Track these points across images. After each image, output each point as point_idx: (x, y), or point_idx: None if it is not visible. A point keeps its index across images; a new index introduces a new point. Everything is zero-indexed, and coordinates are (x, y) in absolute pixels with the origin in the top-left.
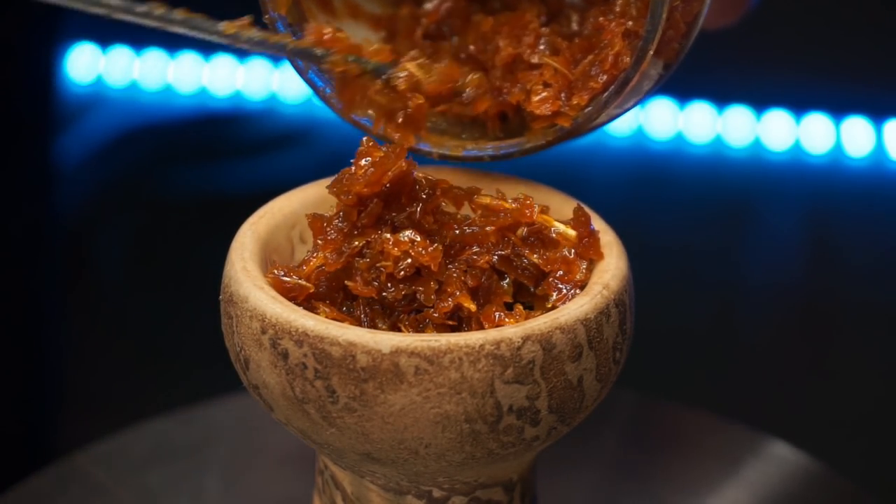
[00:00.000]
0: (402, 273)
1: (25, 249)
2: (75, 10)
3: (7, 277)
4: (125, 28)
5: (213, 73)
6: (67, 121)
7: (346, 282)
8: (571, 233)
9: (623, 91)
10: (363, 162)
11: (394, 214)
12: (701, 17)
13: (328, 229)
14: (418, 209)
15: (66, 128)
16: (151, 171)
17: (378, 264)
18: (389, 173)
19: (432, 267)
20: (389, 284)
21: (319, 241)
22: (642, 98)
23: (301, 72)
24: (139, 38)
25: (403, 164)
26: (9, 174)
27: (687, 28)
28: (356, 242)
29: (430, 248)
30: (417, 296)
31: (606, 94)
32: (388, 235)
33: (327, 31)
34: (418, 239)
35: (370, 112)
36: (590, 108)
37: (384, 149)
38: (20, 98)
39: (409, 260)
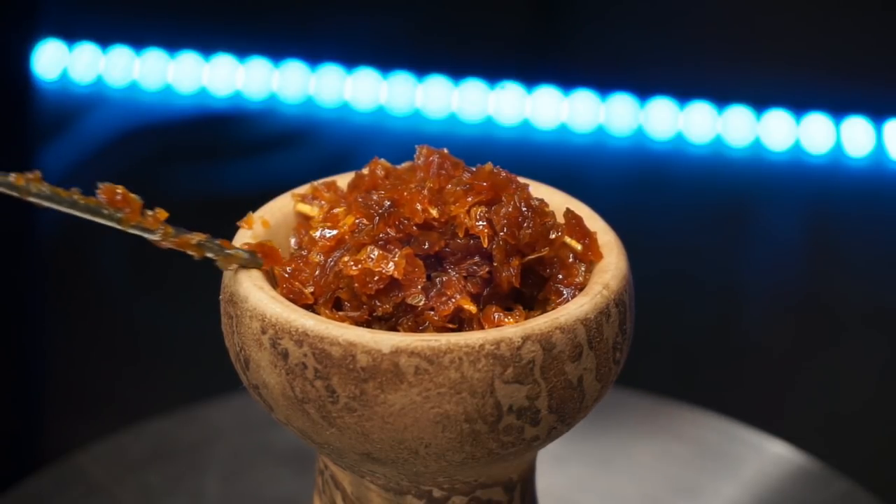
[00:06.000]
0: (376, 287)
1: (25, 250)
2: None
3: (6, 278)
4: (125, 28)
5: (213, 73)
6: (67, 121)
7: (338, 313)
8: (578, 246)
9: None
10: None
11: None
12: None
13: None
14: (375, 225)
15: (65, 128)
16: (151, 171)
17: (353, 287)
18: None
19: (396, 275)
20: (375, 301)
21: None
22: None
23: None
24: (139, 38)
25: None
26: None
27: None
28: (331, 277)
29: (393, 259)
30: (408, 300)
31: None
32: (346, 259)
33: (119, 191)
34: (376, 254)
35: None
36: None
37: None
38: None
39: (377, 276)
